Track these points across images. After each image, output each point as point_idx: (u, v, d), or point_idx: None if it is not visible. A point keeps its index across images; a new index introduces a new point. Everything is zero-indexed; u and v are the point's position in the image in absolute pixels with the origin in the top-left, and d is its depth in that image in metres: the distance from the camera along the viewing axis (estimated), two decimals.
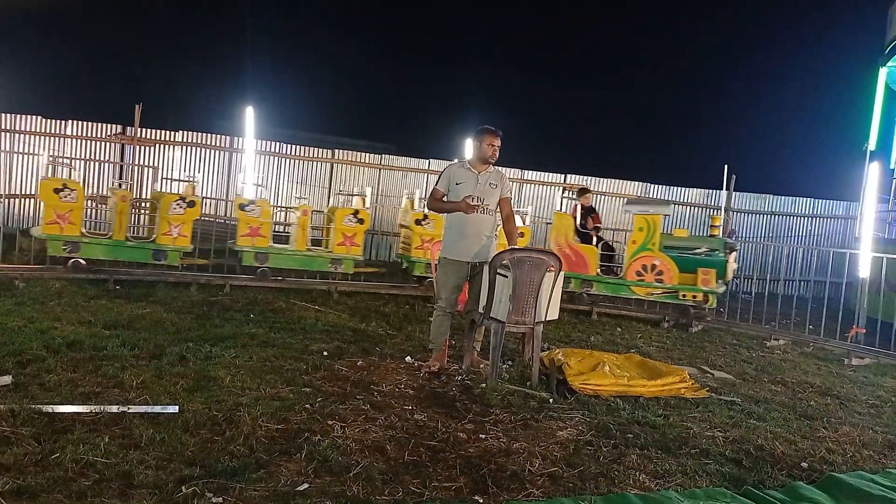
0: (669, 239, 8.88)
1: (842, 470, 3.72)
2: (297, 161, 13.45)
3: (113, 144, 12.46)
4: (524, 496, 3.07)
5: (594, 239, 9.30)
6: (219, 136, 13.14)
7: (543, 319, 4.96)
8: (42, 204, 7.82)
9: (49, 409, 3.44)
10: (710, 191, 14.42)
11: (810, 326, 8.77)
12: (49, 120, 12.13)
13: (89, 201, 10.35)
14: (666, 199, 14.11)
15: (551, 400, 4.49)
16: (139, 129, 12.34)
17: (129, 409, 3.56)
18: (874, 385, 6.06)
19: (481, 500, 3.00)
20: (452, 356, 5.41)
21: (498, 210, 5.26)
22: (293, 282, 8.44)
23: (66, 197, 7.59)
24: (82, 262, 7.69)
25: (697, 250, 8.75)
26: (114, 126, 12.47)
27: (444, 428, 3.81)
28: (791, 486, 3.43)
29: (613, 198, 14.28)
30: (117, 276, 7.56)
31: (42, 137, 12.01)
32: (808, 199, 14.86)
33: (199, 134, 13.03)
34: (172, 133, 12.82)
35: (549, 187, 14.25)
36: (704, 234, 11.95)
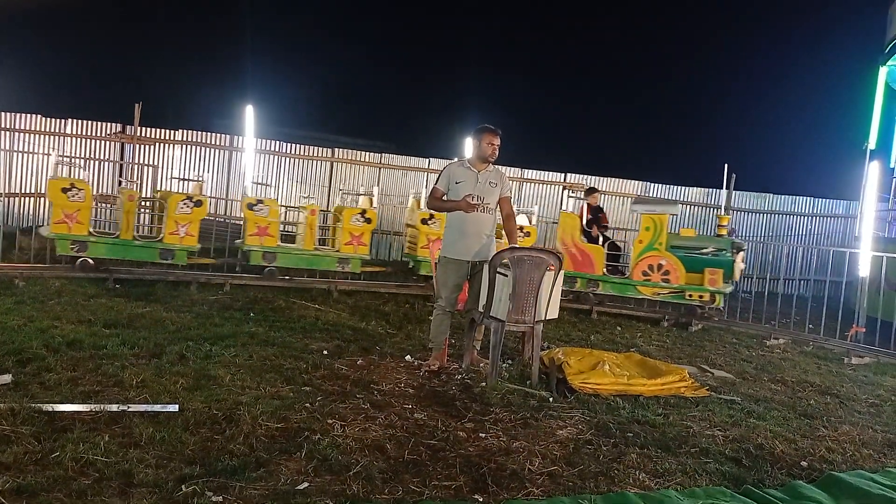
0: (676, 238, 8.87)
1: (841, 469, 3.72)
2: (297, 160, 13.45)
3: (113, 143, 12.45)
4: (524, 495, 3.07)
5: (600, 238, 9.30)
6: (219, 134, 13.14)
7: (543, 318, 4.96)
8: (49, 203, 7.85)
9: (49, 407, 3.44)
10: (710, 190, 14.42)
11: (810, 325, 8.77)
12: (49, 119, 12.12)
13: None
14: (664, 198, 14.12)
15: (551, 399, 4.49)
16: (139, 128, 12.33)
17: (129, 407, 3.57)
18: (874, 384, 6.07)
19: (481, 499, 3.00)
20: (452, 355, 5.41)
21: (498, 209, 5.26)
22: (293, 281, 8.44)
23: (73, 196, 7.64)
24: (90, 261, 7.72)
25: (704, 250, 8.74)
26: (114, 125, 12.46)
27: (444, 427, 3.82)
28: (791, 485, 3.43)
29: (613, 197, 14.28)
30: (117, 275, 7.56)
31: (42, 136, 12.01)
32: (808, 198, 14.86)
33: (199, 133, 13.02)
34: (172, 132, 12.82)
35: (549, 186, 14.25)
36: (704, 234, 11.97)
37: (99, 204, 10.76)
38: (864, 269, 8.59)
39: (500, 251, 4.88)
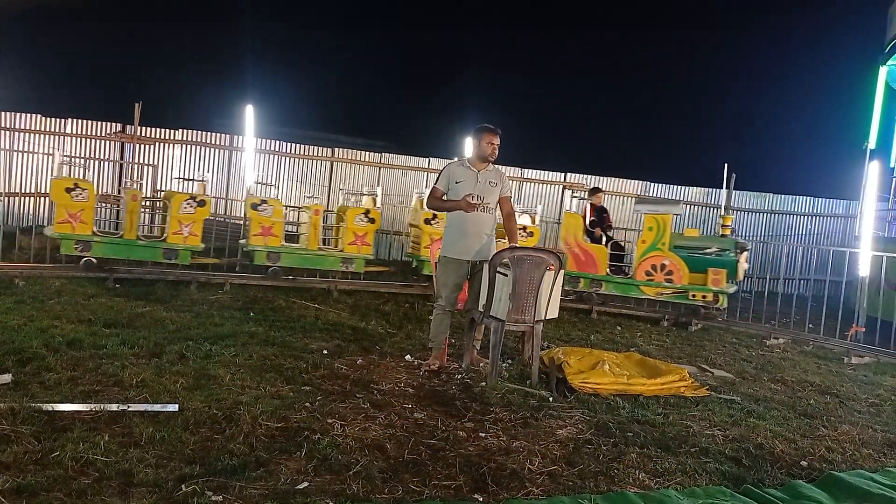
0: (680, 238, 8.87)
1: (841, 468, 3.72)
2: (296, 159, 13.45)
3: (112, 143, 12.45)
4: (524, 495, 3.07)
5: (603, 238, 9.29)
6: (218, 134, 13.12)
7: (543, 318, 4.96)
8: (53, 203, 7.88)
9: (49, 407, 3.44)
10: (710, 189, 14.42)
11: (810, 325, 8.77)
12: (49, 118, 12.12)
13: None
14: (666, 197, 14.12)
15: (551, 398, 4.49)
16: (139, 128, 12.33)
17: (128, 407, 3.57)
18: (874, 384, 6.07)
19: (481, 499, 3.00)
20: (452, 355, 5.41)
21: (498, 208, 5.26)
22: (293, 280, 8.44)
23: (77, 196, 7.66)
24: (94, 260, 7.74)
25: (708, 250, 8.73)
26: (113, 124, 12.45)
27: (444, 426, 3.82)
28: (791, 484, 3.43)
29: (613, 196, 14.27)
30: (117, 275, 7.56)
31: (42, 136, 12.00)
32: (808, 197, 14.85)
33: (199, 132, 13.02)
34: (172, 131, 12.81)
35: (549, 186, 14.25)
36: (704, 233, 11.97)
37: (99, 203, 10.75)
38: (863, 269, 8.59)
39: (500, 251, 4.88)
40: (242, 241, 8.84)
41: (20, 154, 11.65)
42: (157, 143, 12.65)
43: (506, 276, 4.73)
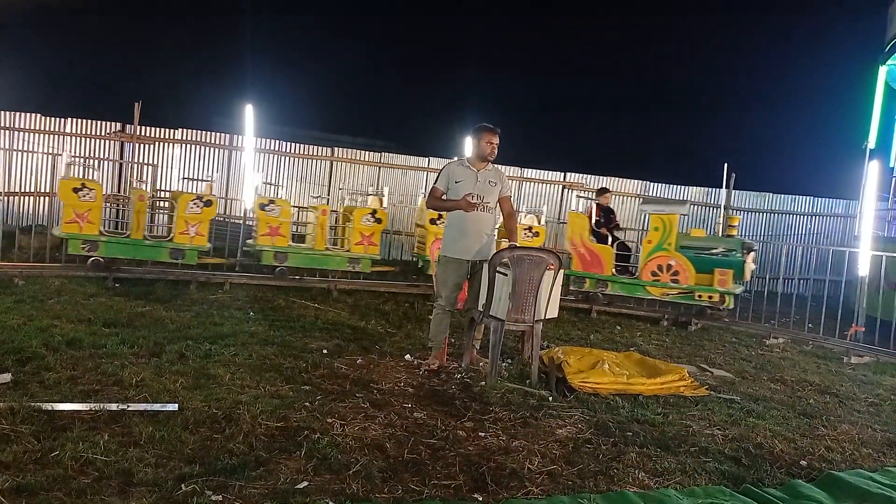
0: (686, 239, 8.86)
1: (841, 468, 3.72)
2: (296, 159, 13.44)
3: (112, 142, 12.44)
4: (523, 494, 3.08)
5: (609, 238, 9.28)
6: (218, 133, 13.12)
7: (543, 318, 4.96)
8: (61, 203, 7.91)
9: (48, 406, 3.44)
10: (710, 189, 14.42)
11: (809, 325, 8.77)
12: (48, 117, 12.11)
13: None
14: (668, 197, 14.12)
15: (550, 398, 4.49)
16: (139, 127, 12.32)
17: (128, 406, 3.57)
18: (873, 383, 6.07)
19: (480, 498, 3.00)
20: (452, 354, 5.41)
21: (498, 207, 5.26)
22: (292, 280, 8.44)
23: (84, 196, 7.70)
24: (101, 260, 7.75)
25: (714, 250, 8.72)
26: (113, 124, 12.45)
27: (444, 426, 3.82)
28: (790, 484, 3.43)
29: (613, 196, 14.26)
30: (117, 274, 7.57)
31: (41, 135, 12.00)
32: (808, 197, 14.85)
33: (199, 132, 13.01)
34: (172, 131, 12.80)
35: (549, 186, 14.25)
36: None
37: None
38: (863, 269, 8.60)
39: (500, 250, 4.88)
40: (250, 241, 8.86)
41: (20, 153, 11.64)
42: (156, 143, 12.65)
43: (505, 275, 4.73)
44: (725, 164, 12.78)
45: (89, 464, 2.89)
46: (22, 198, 11.69)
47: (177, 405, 3.65)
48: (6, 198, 10.81)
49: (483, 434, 3.76)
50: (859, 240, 9.18)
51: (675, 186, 14.60)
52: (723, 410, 4.61)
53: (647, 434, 3.97)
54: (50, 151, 11.43)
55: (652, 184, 14.58)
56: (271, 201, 8.66)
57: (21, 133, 11.84)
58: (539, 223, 9.65)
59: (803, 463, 3.79)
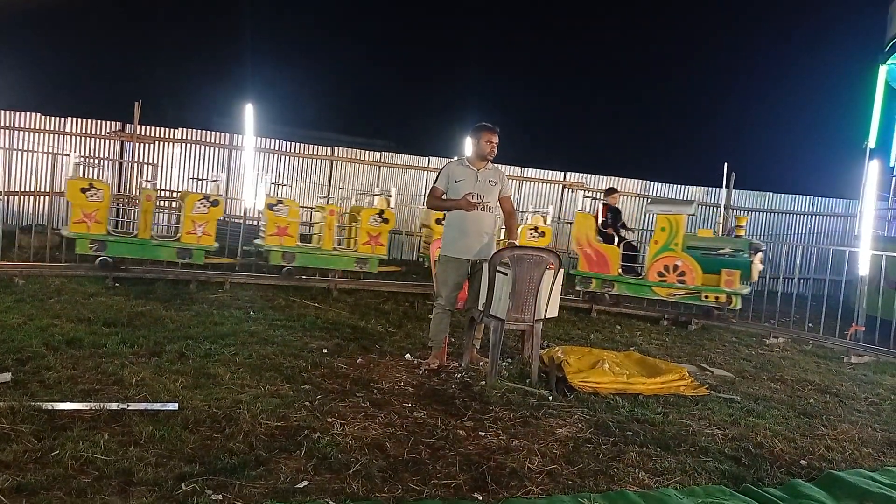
0: (693, 239, 8.85)
1: (841, 468, 3.72)
2: (296, 158, 13.45)
3: (112, 142, 12.45)
4: (523, 494, 3.07)
5: (615, 239, 9.28)
6: (218, 133, 13.14)
7: (543, 317, 4.96)
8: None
9: (49, 406, 3.44)
10: (710, 188, 14.42)
11: (810, 324, 8.77)
12: (48, 117, 12.12)
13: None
14: (672, 197, 14.12)
15: (551, 398, 4.49)
16: (138, 127, 12.33)
17: (128, 406, 3.57)
18: (873, 383, 6.07)
19: (480, 498, 3.00)
20: (452, 354, 5.41)
21: (498, 206, 5.26)
22: (293, 279, 8.44)
23: (92, 196, 7.73)
24: (109, 259, 7.76)
25: (721, 251, 8.71)
26: (113, 123, 12.46)
27: (444, 425, 3.82)
28: (790, 483, 3.43)
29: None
30: (117, 274, 7.57)
31: (41, 134, 12.00)
32: (808, 196, 14.86)
33: (199, 131, 13.03)
34: (172, 130, 12.82)
35: (549, 185, 14.25)
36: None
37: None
38: (863, 268, 8.59)
39: (500, 250, 4.88)
40: (258, 241, 8.88)
41: (20, 153, 11.65)
42: (156, 142, 12.65)
43: (506, 275, 4.73)
44: (725, 164, 12.78)
45: (89, 463, 2.89)
46: (22, 197, 11.69)
47: (177, 404, 3.65)
48: (6, 197, 10.81)
49: (483, 433, 3.76)
50: (859, 239, 9.17)
51: (675, 186, 14.61)
52: (723, 410, 4.61)
53: (647, 433, 3.97)
54: (50, 151, 11.44)
55: (652, 183, 14.59)
56: (280, 201, 8.67)
57: (21, 132, 11.85)
58: (545, 223, 9.64)
59: (803, 462, 3.79)
